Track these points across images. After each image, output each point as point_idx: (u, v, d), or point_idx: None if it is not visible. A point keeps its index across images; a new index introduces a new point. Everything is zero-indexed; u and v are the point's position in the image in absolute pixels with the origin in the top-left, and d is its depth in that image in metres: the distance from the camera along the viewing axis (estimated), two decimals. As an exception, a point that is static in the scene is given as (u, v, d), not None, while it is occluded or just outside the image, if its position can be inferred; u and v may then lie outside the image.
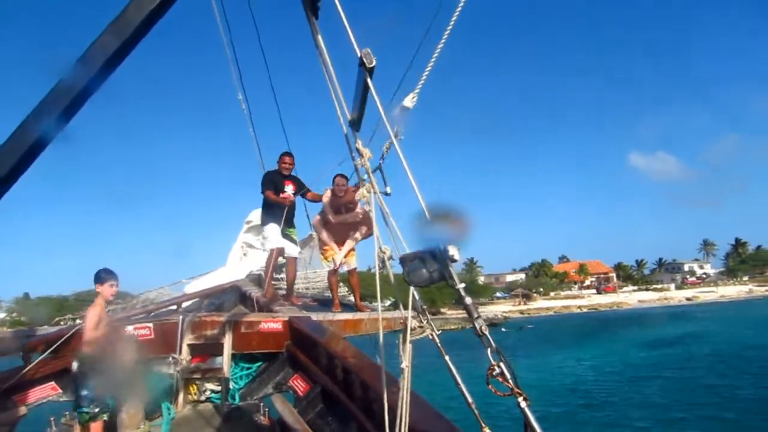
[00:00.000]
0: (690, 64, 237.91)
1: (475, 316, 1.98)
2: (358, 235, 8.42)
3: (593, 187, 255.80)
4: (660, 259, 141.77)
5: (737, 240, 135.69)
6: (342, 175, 8.26)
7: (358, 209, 8.20)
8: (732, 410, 18.93)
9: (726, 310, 67.39)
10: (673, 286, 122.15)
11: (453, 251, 1.94)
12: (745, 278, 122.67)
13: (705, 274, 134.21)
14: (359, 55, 2.31)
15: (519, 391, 1.92)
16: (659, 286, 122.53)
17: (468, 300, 1.99)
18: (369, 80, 2.24)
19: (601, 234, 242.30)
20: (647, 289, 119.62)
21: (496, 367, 1.95)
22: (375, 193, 2.64)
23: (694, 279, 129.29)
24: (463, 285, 2.01)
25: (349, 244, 8.48)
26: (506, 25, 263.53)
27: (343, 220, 8.31)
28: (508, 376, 1.95)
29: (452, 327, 60.01)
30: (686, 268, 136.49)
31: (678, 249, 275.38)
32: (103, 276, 5.66)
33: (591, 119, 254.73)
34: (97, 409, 5.35)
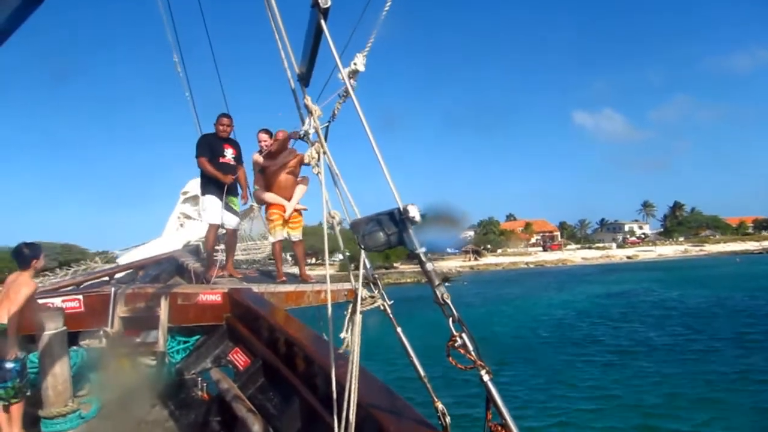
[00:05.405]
0: (643, 20, 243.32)
1: (437, 283, 1.83)
2: (302, 186, 8.28)
3: (539, 147, 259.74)
4: (602, 219, 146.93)
5: (676, 202, 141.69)
6: (265, 130, 8.23)
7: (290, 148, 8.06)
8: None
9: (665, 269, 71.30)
10: (614, 245, 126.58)
11: (413, 212, 1.77)
12: (681, 239, 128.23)
13: (644, 234, 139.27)
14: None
15: (482, 363, 1.79)
16: (602, 245, 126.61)
17: (429, 266, 1.84)
18: (323, 23, 2.01)
19: (545, 193, 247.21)
20: (590, 248, 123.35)
21: (457, 338, 1.81)
22: (325, 153, 2.45)
23: (634, 239, 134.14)
24: (423, 249, 1.85)
25: (299, 190, 8.25)
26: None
27: (282, 161, 8.04)
28: (471, 347, 1.81)
29: (408, 281, 60.49)
30: (626, 228, 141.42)
31: (618, 210, 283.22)
32: (36, 251, 5.39)
33: (537, 77, 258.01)
34: (22, 384, 5.02)
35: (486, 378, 1.78)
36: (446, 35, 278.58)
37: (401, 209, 1.82)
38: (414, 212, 1.79)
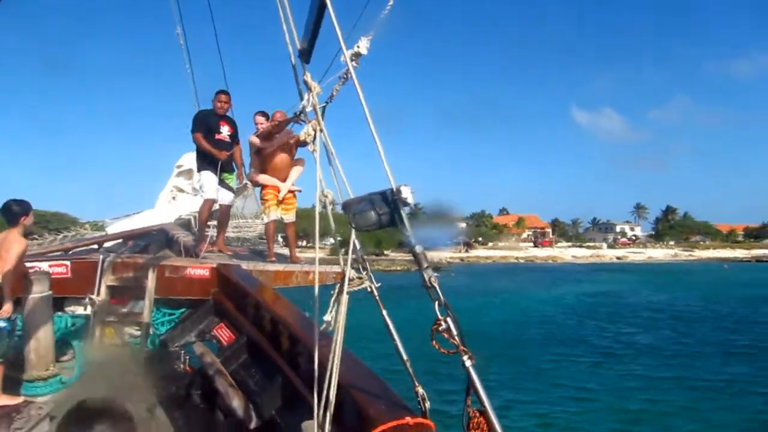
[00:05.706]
0: (646, 20, 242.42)
1: (425, 266, 1.82)
2: (298, 168, 8.14)
3: (536, 142, 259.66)
4: (594, 219, 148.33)
5: (668, 206, 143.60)
6: (261, 113, 8.10)
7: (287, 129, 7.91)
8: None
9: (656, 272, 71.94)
10: (605, 245, 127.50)
11: (406, 193, 1.76)
12: (671, 242, 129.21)
13: (635, 236, 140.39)
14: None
15: (465, 348, 1.79)
16: (592, 244, 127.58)
17: (418, 248, 1.83)
18: (326, -2, 1.99)
19: (539, 189, 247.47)
20: (581, 246, 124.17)
21: (442, 323, 1.81)
22: (321, 131, 2.43)
23: (625, 240, 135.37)
24: (412, 231, 1.84)
25: (294, 171, 8.10)
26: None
27: (278, 142, 7.90)
28: (455, 332, 1.81)
29: (398, 268, 60.11)
30: (618, 229, 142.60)
31: (611, 210, 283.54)
32: (25, 207, 5.29)
33: (536, 72, 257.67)
34: (7, 344, 5.00)
35: (468, 363, 1.78)
36: (444, 28, 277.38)
37: (394, 190, 1.81)
38: (406, 193, 1.78)
